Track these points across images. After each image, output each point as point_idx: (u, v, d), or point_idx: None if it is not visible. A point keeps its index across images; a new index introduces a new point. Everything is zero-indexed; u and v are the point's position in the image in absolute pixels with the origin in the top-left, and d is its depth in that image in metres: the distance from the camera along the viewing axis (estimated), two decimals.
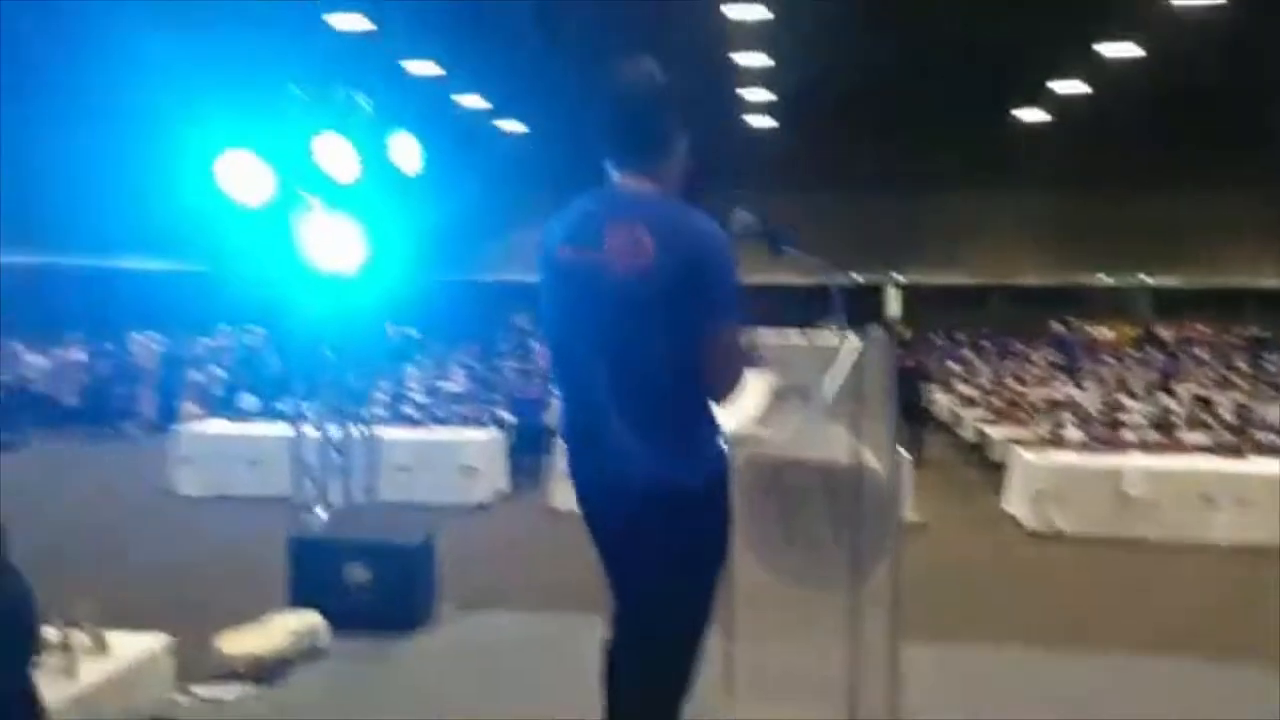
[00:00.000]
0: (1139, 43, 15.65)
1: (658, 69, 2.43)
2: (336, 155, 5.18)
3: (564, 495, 8.03)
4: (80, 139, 15.02)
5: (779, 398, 3.23)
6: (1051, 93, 19.64)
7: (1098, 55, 16.57)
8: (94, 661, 3.88)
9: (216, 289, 10.79)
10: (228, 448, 9.40)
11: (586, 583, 2.69)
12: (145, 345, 13.44)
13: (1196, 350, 20.88)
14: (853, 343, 3.30)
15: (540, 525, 8.15)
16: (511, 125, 22.17)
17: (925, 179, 24.01)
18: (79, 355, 13.50)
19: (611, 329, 2.31)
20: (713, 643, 2.58)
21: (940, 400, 14.35)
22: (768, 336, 3.32)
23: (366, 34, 14.23)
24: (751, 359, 2.53)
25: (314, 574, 5.13)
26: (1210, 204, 24.03)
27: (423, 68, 16.89)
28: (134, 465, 10.63)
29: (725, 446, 2.45)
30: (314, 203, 5.18)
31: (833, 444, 3.37)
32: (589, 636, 2.58)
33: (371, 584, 5.07)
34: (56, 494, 9.56)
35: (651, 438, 2.30)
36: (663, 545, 2.32)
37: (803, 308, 3.79)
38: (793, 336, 3.61)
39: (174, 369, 13.11)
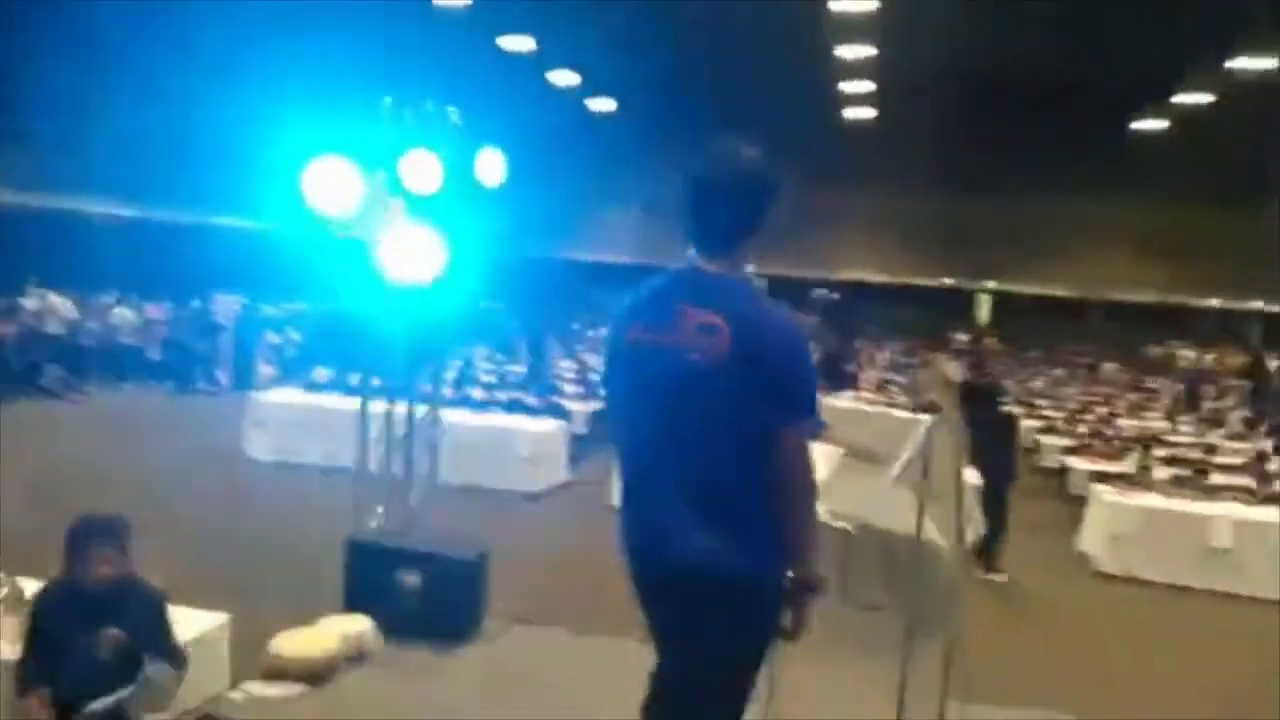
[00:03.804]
0: (1272, 54, 14.62)
1: (751, 152, 2.36)
2: (423, 169, 5.23)
3: None
4: (189, 110, 15.66)
5: (848, 462, 3.22)
6: (1175, 104, 18.60)
7: (1227, 69, 15.58)
8: None
9: (303, 254, 11.09)
10: (298, 417, 9.60)
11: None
12: (228, 306, 13.88)
13: None
14: (924, 416, 3.27)
15: (598, 522, 8.06)
16: (603, 103, 22.08)
17: (1032, 184, 23.09)
18: (165, 311, 14.04)
19: (679, 414, 2.29)
20: (758, 701, 2.56)
21: (1022, 425, 13.78)
22: (840, 401, 3.31)
23: (467, 8, 14.33)
24: (816, 431, 2.44)
25: (368, 578, 5.23)
26: None
27: (518, 43, 16.93)
28: (209, 423, 10.97)
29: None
30: (397, 212, 5.20)
31: (897, 513, 3.33)
32: (633, 662, 2.57)
33: (422, 593, 5.13)
34: (134, 445, 9.93)
35: (712, 526, 2.28)
36: (714, 630, 2.32)
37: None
38: (865, 405, 3.63)
39: (253, 331, 13.49)
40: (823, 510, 3.03)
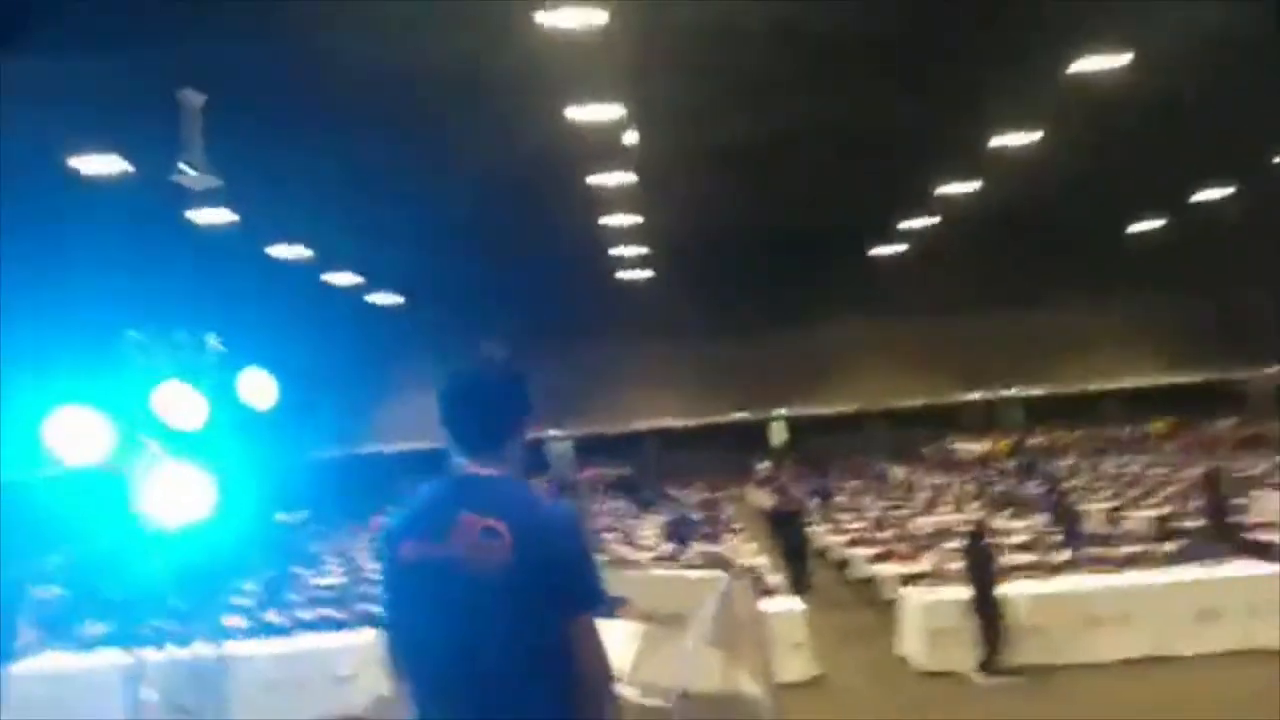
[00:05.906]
0: (978, 178, 16.97)
1: (504, 356, 2.50)
2: (181, 403, 4.92)
3: None
4: None
5: (652, 632, 3.23)
6: (902, 230, 21.06)
7: (941, 195, 17.91)
8: None
9: (57, 501, 10.03)
10: (64, 686, 8.44)
11: None
12: None
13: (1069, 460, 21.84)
14: (719, 573, 3.37)
15: None
16: (385, 298, 22.14)
17: (793, 317, 25.15)
18: None
19: (468, 625, 2.25)
20: None
21: (830, 540, 14.35)
22: (635, 572, 3.35)
23: (230, 225, 14.16)
24: (614, 608, 2.44)
25: None
26: (1059, 318, 25.84)
27: (291, 252, 16.89)
28: None
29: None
30: (158, 453, 4.84)
31: (709, 672, 3.33)
32: None
33: None
34: None
35: None
36: None
37: None
38: (659, 569, 3.69)
39: (10, 594, 11.92)
40: (635, 692, 3.00)
